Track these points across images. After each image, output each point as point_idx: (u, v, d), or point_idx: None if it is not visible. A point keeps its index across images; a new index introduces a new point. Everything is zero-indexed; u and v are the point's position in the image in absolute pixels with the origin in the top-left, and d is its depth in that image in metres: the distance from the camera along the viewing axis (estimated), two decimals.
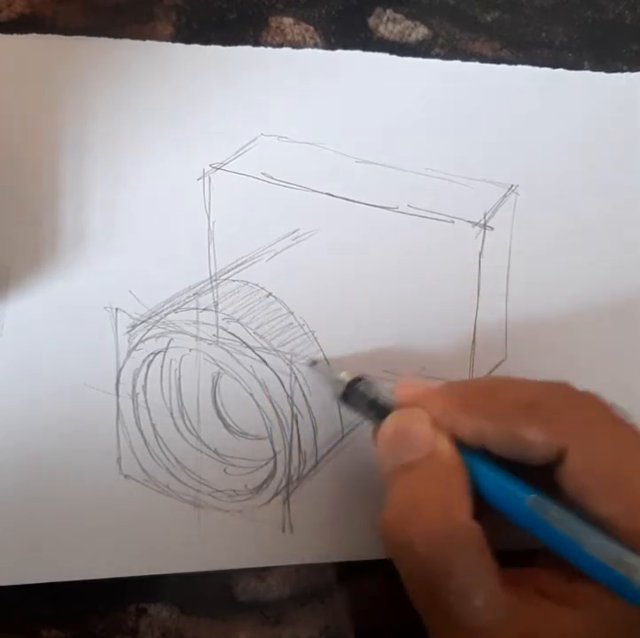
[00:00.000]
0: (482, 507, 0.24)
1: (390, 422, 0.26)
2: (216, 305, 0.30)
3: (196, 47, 0.33)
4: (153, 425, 0.30)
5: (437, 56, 0.34)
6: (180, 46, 0.33)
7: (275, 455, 0.30)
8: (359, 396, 0.27)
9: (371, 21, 0.34)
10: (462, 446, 0.25)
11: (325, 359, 0.30)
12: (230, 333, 0.30)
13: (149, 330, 0.30)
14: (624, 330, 0.33)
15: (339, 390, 0.28)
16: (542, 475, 0.24)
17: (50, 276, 0.30)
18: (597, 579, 0.22)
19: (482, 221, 0.32)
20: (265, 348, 0.30)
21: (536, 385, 0.26)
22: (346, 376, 0.28)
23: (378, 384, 0.28)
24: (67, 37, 0.32)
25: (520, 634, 0.22)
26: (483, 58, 0.35)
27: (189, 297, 0.31)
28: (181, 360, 0.30)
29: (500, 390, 0.26)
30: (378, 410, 0.27)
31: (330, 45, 0.34)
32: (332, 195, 0.32)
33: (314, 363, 0.30)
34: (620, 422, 0.25)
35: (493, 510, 0.24)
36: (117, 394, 0.30)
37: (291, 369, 0.30)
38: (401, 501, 0.24)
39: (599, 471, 0.23)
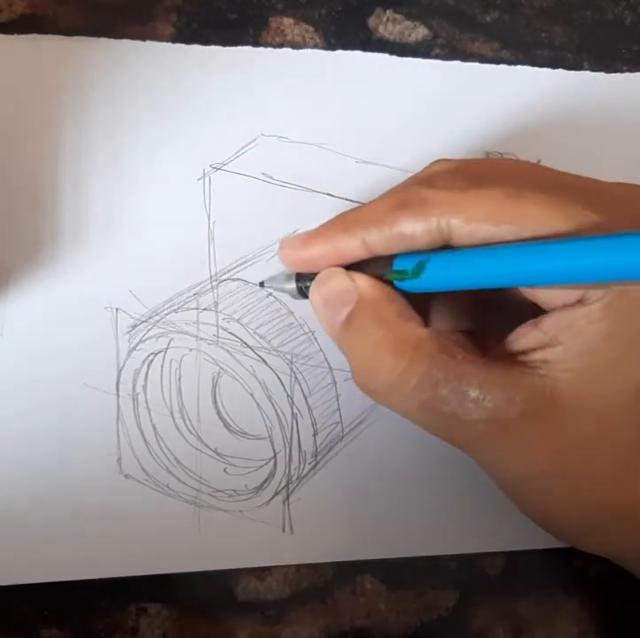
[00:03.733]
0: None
1: (313, 294, 0.26)
2: (216, 305, 0.30)
3: (196, 47, 0.33)
4: (153, 425, 0.30)
5: (437, 56, 0.34)
6: (180, 47, 0.33)
7: (275, 455, 0.30)
8: (311, 276, 0.27)
9: (371, 21, 0.34)
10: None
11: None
12: (230, 333, 0.30)
13: (149, 330, 0.30)
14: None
15: (291, 287, 0.28)
16: None
17: (50, 276, 0.30)
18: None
19: None
20: (265, 348, 0.30)
21: (400, 187, 0.26)
22: (289, 271, 0.28)
23: None
24: (67, 37, 0.32)
25: (530, 395, 0.22)
26: (483, 59, 0.35)
27: (189, 297, 0.31)
28: (181, 360, 0.30)
29: (374, 202, 0.25)
30: None
31: (330, 45, 0.34)
32: (332, 195, 0.32)
33: (261, 284, 0.30)
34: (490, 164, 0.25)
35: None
36: (117, 394, 0.30)
37: (291, 369, 0.30)
38: (357, 355, 0.25)
39: (488, 216, 0.22)
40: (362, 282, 0.25)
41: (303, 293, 0.27)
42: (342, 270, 0.25)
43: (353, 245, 0.25)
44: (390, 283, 0.25)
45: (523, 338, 0.24)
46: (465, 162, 0.26)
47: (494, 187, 0.23)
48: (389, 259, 0.25)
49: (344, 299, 0.25)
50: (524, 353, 0.23)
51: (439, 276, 0.24)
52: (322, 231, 0.26)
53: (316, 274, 0.26)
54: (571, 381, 0.22)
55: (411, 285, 0.24)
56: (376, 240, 0.24)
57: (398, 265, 0.25)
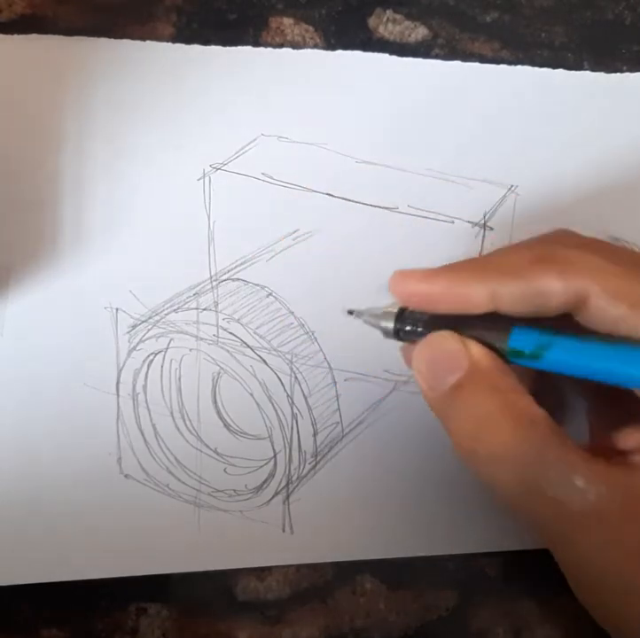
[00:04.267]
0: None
1: (418, 353, 0.24)
2: (216, 305, 0.30)
3: (196, 47, 0.33)
4: (153, 425, 0.30)
5: (437, 56, 0.34)
6: (180, 46, 0.33)
7: (275, 455, 0.30)
8: (414, 322, 0.25)
9: (371, 22, 0.34)
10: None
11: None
12: (230, 333, 0.30)
13: (149, 330, 0.30)
14: None
15: (389, 326, 0.25)
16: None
17: (51, 277, 0.30)
18: None
19: (482, 222, 0.32)
20: (265, 348, 0.30)
21: (540, 241, 0.25)
22: (391, 308, 0.25)
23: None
24: (67, 38, 0.32)
25: (631, 496, 0.22)
26: (483, 59, 0.35)
27: (189, 297, 0.31)
28: (181, 360, 0.30)
29: (507, 253, 0.25)
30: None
31: (330, 45, 0.34)
32: (332, 195, 0.32)
33: (350, 312, 0.27)
34: (633, 253, 0.25)
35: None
36: (117, 394, 0.30)
37: (291, 369, 0.30)
38: (464, 423, 0.24)
39: (629, 298, 0.22)
40: (476, 349, 0.24)
41: (398, 335, 0.25)
42: (455, 334, 0.24)
43: (480, 294, 0.23)
44: (502, 355, 0.24)
45: (627, 438, 0.24)
46: (597, 239, 0.26)
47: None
48: (504, 331, 0.24)
49: (453, 364, 0.24)
50: (624, 453, 0.24)
51: (557, 362, 0.23)
52: (449, 270, 0.24)
53: (419, 322, 0.25)
54: None
55: (524, 362, 0.24)
56: (508, 293, 0.23)
57: (514, 341, 0.23)
